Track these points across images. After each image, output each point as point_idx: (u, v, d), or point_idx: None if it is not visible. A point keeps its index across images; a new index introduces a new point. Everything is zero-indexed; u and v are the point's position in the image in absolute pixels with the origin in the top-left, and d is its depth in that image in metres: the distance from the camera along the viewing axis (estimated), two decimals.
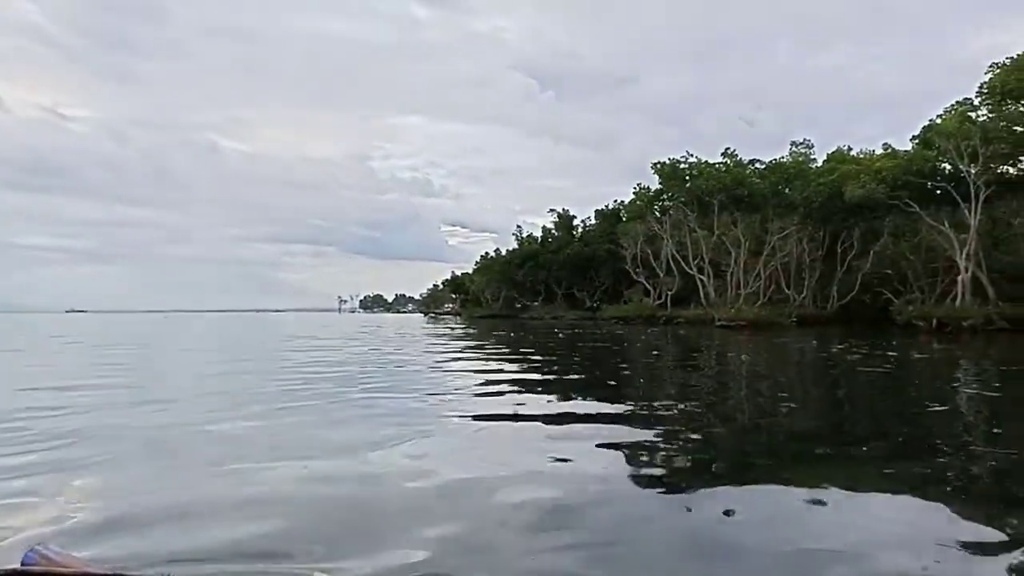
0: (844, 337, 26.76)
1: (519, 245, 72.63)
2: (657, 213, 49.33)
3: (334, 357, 16.20)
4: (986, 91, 31.47)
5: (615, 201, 66.78)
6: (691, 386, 10.98)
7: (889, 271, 41.88)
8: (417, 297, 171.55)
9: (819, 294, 44.38)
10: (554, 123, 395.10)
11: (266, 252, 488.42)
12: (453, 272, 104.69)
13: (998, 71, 32.08)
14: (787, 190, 39.95)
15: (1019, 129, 29.52)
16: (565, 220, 71.83)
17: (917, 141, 33.41)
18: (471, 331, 33.95)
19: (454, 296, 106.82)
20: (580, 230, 69.75)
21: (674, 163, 42.76)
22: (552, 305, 66.52)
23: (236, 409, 7.40)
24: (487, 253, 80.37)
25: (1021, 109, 29.96)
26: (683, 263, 44.73)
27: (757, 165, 42.18)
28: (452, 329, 37.97)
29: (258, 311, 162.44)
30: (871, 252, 41.41)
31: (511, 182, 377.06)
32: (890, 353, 17.86)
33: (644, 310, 47.12)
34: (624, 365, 14.89)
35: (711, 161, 42.85)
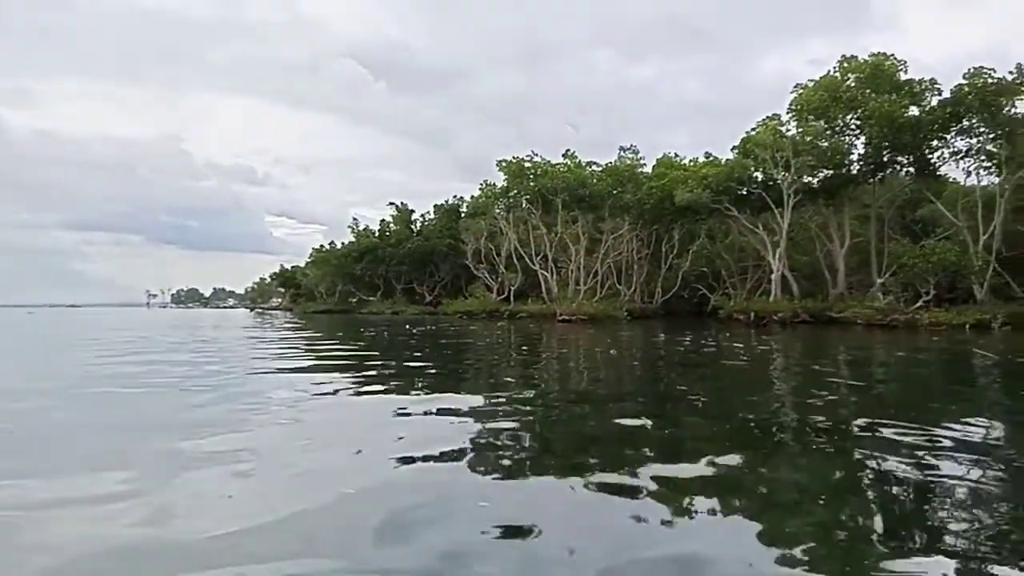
0: (680, 329, 29.19)
1: (356, 238, 70.69)
2: (499, 210, 50.40)
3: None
4: (794, 108, 35.57)
5: (454, 196, 67.24)
6: (530, 378, 11.36)
7: (705, 269, 46.33)
8: (240, 292, 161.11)
9: (645, 290, 47.76)
10: (387, 114, 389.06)
11: (63, 241, 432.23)
12: (282, 265, 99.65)
13: (802, 91, 36.39)
14: (622, 192, 42.43)
15: (823, 144, 33.58)
16: (404, 214, 71.00)
17: (737, 151, 36.89)
18: (309, 328, 32.61)
19: (282, 290, 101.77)
20: (420, 224, 69.33)
21: (520, 162, 43.89)
22: (391, 300, 65.54)
23: None
24: (322, 246, 77.41)
25: (823, 125, 34.15)
26: (527, 259, 46.04)
27: (595, 167, 44.42)
28: (286, 326, 36.27)
29: (53, 306, 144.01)
30: (690, 252, 45.61)
31: (342, 173, 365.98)
32: (736, 345, 19.71)
33: (487, 305, 47.89)
34: (468, 359, 15.11)
35: (553, 161, 44.48)
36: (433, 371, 11.88)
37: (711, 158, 40.27)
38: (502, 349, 18.50)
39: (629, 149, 46.34)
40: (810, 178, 34.40)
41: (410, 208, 71.17)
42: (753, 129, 37.43)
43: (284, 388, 9.28)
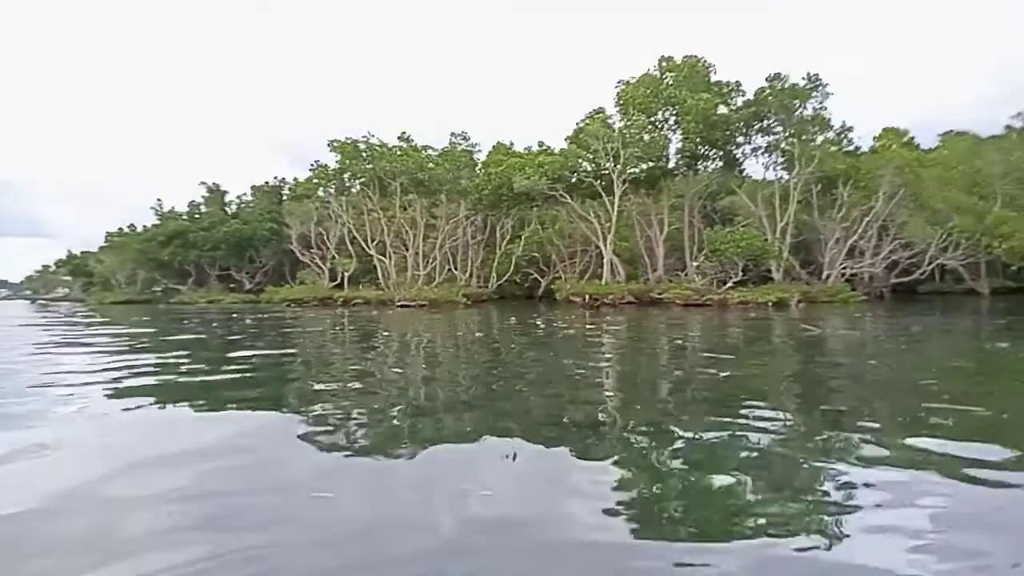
0: (524, 312, 29.97)
1: (162, 221, 64.33)
2: (323, 191, 48.39)
3: None
4: (620, 103, 37.76)
5: (276, 178, 63.58)
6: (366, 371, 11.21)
7: (536, 254, 48.08)
8: (16, 281, 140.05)
9: (480, 275, 48.49)
10: None
11: None
12: (69, 251, 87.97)
13: (625, 87, 38.71)
14: (459, 177, 42.56)
15: (646, 137, 35.97)
16: (217, 195, 65.84)
17: (570, 141, 38.47)
18: (110, 322, 29.19)
19: (69, 279, 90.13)
20: (236, 207, 64.68)
21: (355, 143, 42.32)
22: (205, 288, 60.60)
23: None
24: (120, 229, 69.56)
25: (646, 120, 36.56)
26: (361, 243, 44.68)
27: (431, 151, 44.10)
28: (78, 319, 32.24)
29: None
30: (522, 237, 47.06)
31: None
32: (589, 325, 20.60)
33: (318, 291, 45.86)
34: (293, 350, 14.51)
35: (390, 144, 43.44)
36: (257, 378, 11.02)
37: (545, 147, 41.67)
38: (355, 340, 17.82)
39: (460, 135, 46.66)
40: (634, 169, 36.73)
41: (223, 189, 66.19)
42: (584, 121, 39.26)
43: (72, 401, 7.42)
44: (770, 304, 31.75)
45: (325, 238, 48.57)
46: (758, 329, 19.09)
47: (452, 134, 45.70)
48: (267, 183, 62.74)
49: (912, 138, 41.05)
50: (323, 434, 5.29)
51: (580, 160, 37.46)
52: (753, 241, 34.88)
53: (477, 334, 18.10)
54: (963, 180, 37.11)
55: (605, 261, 38.47)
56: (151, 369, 10.07)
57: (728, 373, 8.86)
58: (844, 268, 38.09)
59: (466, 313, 32.98)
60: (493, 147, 43.80)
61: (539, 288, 47.50)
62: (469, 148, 44.73)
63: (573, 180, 37.96)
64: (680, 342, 15.10)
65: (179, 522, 3.37)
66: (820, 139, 37.18)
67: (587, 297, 35.76)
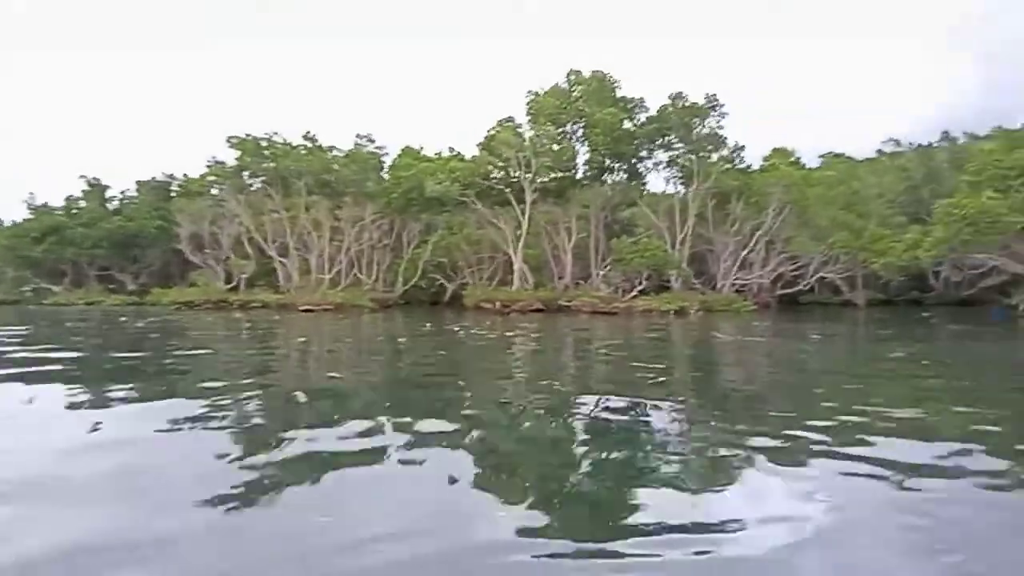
0: (437, 318, 29.85)
1: (34, 215, 59.12)
2: (218, 189, 46.14)
3: None
4: (531, 113, 38.33)
5: (164, 173, 59.84)
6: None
7: (444, 259, 47.79)
8: None
9: (386, 279, 47.60)
10: None
11: None
12: None
13: (536, 97, 39.37)
14: (367, 180, 41.72)
15: (556, 147, 36.66)
16: (98, 190, 61.18)
17: (482, 148, 38.61)
18: None
19: None
20: (119, 202, 60.34)
21: (256, 140, 40.55)
22: (84, 289, 56.14)
23: None
24: None
25: (556, 131, 37.30)
26: (262, 244, 42.87)
27: (337, 152, 42.98)
28: None
29: None
30: (429, 242, 46.66)
31: None
32: (510, 332, 20.75)
33: (212, 294, 43.57)
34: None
35: (294, 143, 42.00)
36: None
37: (456, 153, 41.63)
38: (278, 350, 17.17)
39: (365, 136, 45.71)
40: (545, 178, 37.35)
41: (104, 183, 61.56)
42: (494, 129, 39.54)
43: None
44: (672, 312, 33.11)
45: (219, 238, 46.30)
46: (678, 336, 19.90)
47: (357, 135, 44.75)
48: (154, 178, 58.96)
49: (799, 158, 44.04)
50: None
51: (492, 167, 37.71)
52: (656, 252, 36.27)
53: (400, 340, 17.86)
54: (843, 199, 40.14)
55: (516, 268, 38.85)
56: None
57: (664, 378, 9.22)
58: (736, 279, 40.24)
59: (375, 318, 32.46)
60: (402, 151, 43.23)
61: (446, 294, 47.18)
62: (376, 151, 43.92)
63: (484, 187, 38.09)
64: (609, 349, 15.51)
65: None
66: (715, 156, 39.18)
67: (497, 304, 35.97)
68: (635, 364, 11.89)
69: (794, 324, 27.49)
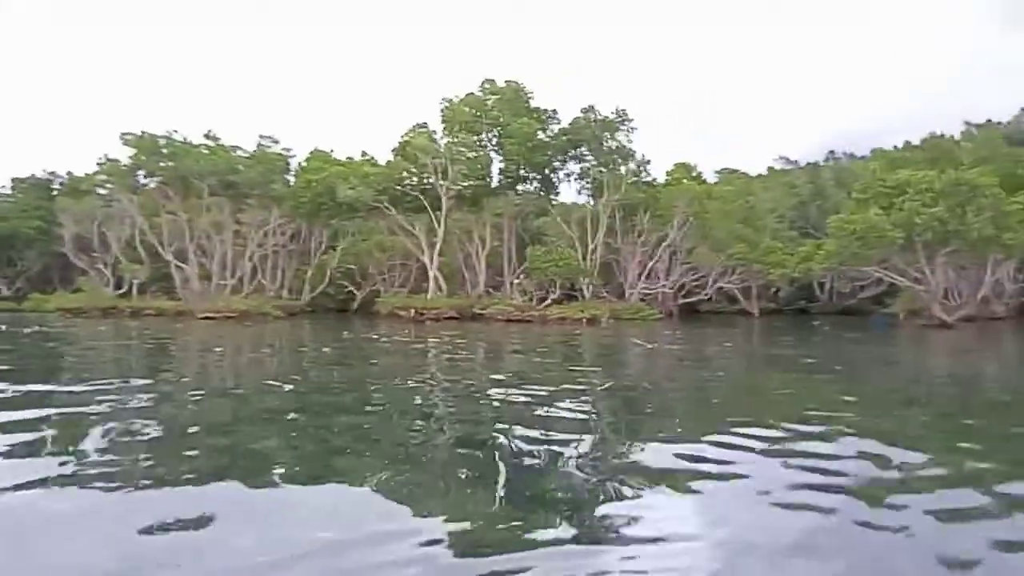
0: (349, 325, 29.20)
1: None
2: (106, 188, 43.13)
3: None
4: (446, 120, 38.24)
5: (44, 170, 55.45)
6: None
7: (353, 266, 46.77)
8: None
9: (292, 286, 46.06)
10: None
11: None
12: None
13: (450, 105, 39.32)
14: (272, 182, 40.16)
15: (472, 155, 36.72)
16: None
17: (397, 154, 38.13)
18: None
19: None
20: None
21: (153, 137, 38.14)
22: None
23: None
24: None
25: (473, 139, 37.40)
26: (158, 247, 40.37)
27: (240, 153, 41.13)
28: None
29: None
30: (338, 248, 45.53)
31: None
32: (433, 339, 20.57)
33: (101, 300, 40.65)
34: None
35: (195, 142, 39.85)
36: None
37: (369, 157, 40.88)
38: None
39: (269, 137, 43.97)
40: (459, 186, 37.30)
41: None
42: (408, 134, 39.18)
43: None
44: (584, 320, 33.85)
45: (108, 240, 43.32)
46: (592, 342, 20.36)
47: (260, 136, 42.96)
48: (34, 176, 54.51)
49: (700, 173, 46.07)
50: None
51: (407, 173, 37.28)
52: (571, 261, 37.00)
53: (325, 350, 17.36)
54: (740, 213, 42.37)
55: (431, 276, 38.51)
56: None
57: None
58: (643, 289, 41.63)
59: (284, 326, 31.42)
60: (311, 153, 41.91)
61: (354, 301, 46.14)
62: (284, 152, 42.40)
63: (399, 193, 37.59)
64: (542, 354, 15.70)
65: None
66: (624, 169, 40.39)
67: (413, 311, 35.55)
68: (572, 368, 12.13)
69: (700, 330, 28.85)
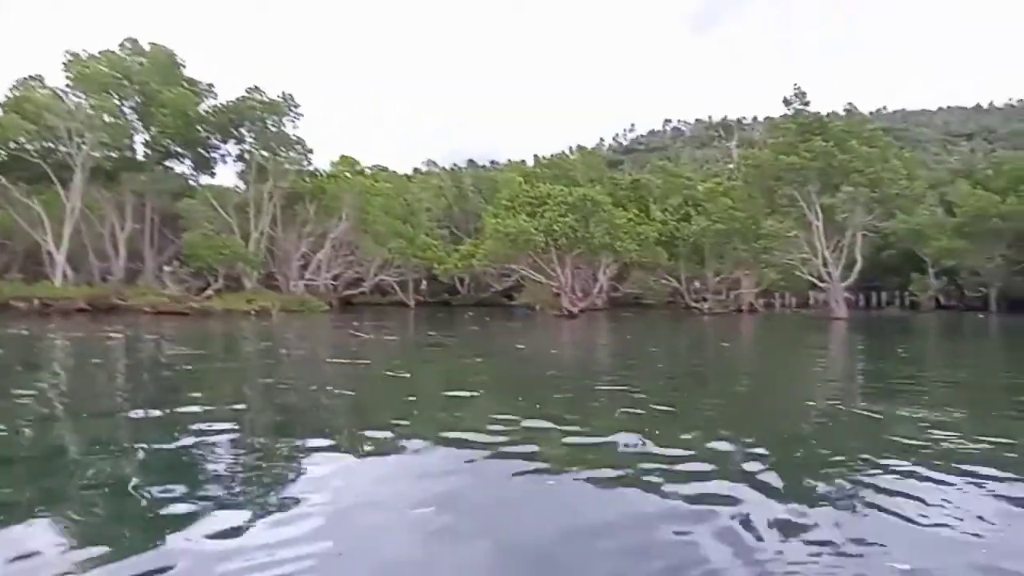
0: None
1: None
2: None
3: None
4: (78, 77, 32.08)
5: None
6: None
7: None
8: None
9: None
10: None
11: None
12: None
13: (82, 62, 33.14)
14: None
15: (107, 119, 31.41)
16: None
17: (11, 110, 30.75)
18: None
19: None
20: None
21: None
22: None
23: None
24: None
25: (115, 103, 32.19)
26: None
27: None
28: None
29: None
30: None
31: None
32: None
33: None
34: None
35: None
36: None
37: None
38: None
39: None
40: (98, 154, 31.88)
41: None
42: (19, 88, 32.09)
43: None
44: (253, 312, 31.94)
45: None
46: (307, 337, 19.83)
47: None
48: None
49: (364, 168, 46.66)
50: None
51: (25, 134, 30.40)
52: (237, 249, 34.50)
53: None
54: (400, 210, 44.32)
55: (58, 261, 32.01)
56: None
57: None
58: (306, 280, 40.81)
59: None
60: None
61: None
62: None
63: (11, 158, 30.44)
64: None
65: None
66: (283, 156, 38.85)
67: (36, 302, 29.14)
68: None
69: (377, 321, 29.66)
